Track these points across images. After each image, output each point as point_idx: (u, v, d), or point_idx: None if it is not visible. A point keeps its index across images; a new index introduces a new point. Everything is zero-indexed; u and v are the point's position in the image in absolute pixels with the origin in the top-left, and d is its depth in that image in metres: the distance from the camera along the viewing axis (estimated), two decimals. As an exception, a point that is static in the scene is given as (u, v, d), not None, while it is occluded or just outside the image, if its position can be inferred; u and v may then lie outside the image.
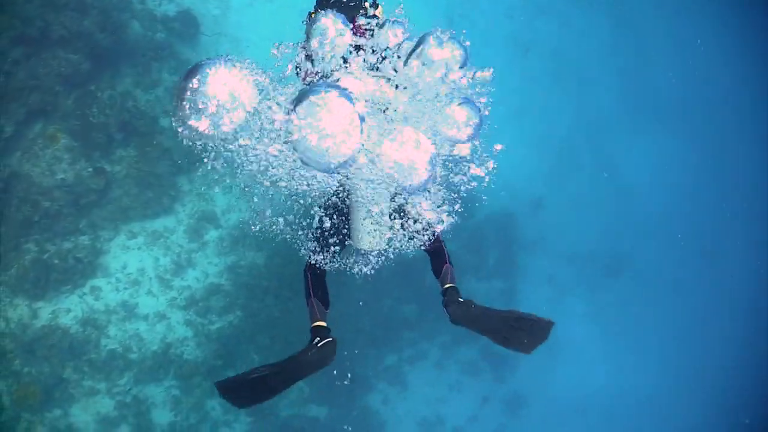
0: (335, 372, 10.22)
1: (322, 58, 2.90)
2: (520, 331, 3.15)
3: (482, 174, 3.24)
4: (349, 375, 11.23)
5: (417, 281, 11.64)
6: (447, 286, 3.36)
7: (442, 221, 3.38)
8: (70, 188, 9.65)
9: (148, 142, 10.38)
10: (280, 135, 2.53)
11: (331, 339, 3.06)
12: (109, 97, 10.11)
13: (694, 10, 20.95)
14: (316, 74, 3.01)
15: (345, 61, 3.02)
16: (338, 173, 2.79)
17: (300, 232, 3.51)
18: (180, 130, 2.47)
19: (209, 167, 2.68)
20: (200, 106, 2.40)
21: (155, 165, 10.44)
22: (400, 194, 3.18)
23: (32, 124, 9.57)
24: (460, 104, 2.96)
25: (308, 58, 2.94)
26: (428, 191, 3.23)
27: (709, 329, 19.04)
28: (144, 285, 10.22)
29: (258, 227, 3.34)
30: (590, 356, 16.49)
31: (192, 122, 2.43)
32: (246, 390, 2.96)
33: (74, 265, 9.65)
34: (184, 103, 2.40)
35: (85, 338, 9.49)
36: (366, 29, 3.10)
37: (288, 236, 3.48)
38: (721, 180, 21.77)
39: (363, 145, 2.58)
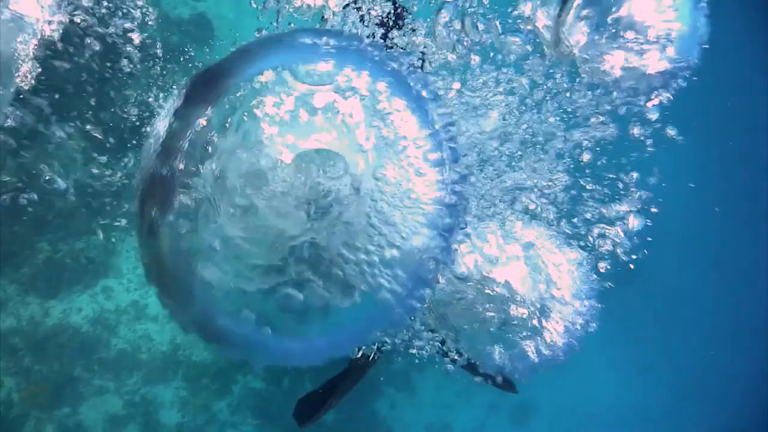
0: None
1: None
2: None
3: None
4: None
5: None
6: None
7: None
8: (84, 188, 9.73)
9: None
10: None
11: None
12: (123, 98, 10.20)
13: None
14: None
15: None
16: None
17: None
18: None
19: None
20: None
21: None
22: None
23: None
24: None
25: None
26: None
27: (719, 340, 18.79)
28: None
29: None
30: (598, 365, 16.32)
31: None
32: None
33: (86, 265, 9.73)
34: None
35: (96, 337, 9.56)
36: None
37: None
38: (736, 189, 21.49)
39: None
